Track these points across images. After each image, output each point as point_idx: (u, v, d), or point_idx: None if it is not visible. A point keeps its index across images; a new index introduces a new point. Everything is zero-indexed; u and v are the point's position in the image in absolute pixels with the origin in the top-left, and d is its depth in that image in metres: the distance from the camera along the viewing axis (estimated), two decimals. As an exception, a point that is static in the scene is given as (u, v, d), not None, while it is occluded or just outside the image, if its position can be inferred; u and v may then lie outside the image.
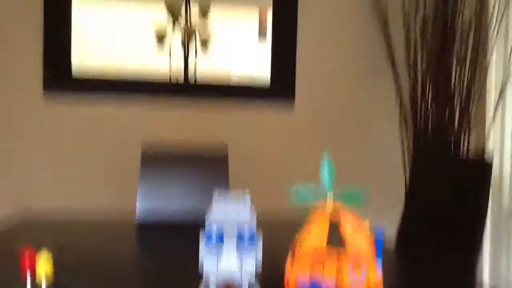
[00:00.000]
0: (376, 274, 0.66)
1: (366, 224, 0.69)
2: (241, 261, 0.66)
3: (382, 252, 0.71)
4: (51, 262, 0.62)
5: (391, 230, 1.72)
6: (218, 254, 0.66)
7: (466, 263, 1.11)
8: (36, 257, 0.62)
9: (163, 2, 2.49)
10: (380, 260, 0.69)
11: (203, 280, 0.67)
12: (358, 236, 0.66)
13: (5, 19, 2.44)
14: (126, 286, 0.91)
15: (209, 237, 0.66)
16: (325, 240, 0.65)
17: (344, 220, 0.67)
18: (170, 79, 2.53)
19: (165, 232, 1.46)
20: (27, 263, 0.62)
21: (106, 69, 2.48)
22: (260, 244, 0.67)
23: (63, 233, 1.35)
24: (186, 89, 2.56)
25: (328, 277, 0.63)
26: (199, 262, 0.66)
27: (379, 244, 0.70)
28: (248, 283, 0.66)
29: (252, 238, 0.66)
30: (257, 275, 0.66)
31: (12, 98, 2.46)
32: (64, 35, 2.45)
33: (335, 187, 0.70)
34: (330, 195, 0.69)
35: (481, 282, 1.79)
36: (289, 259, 0.69)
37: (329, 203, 0.69)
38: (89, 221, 1.63)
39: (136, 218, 1.75)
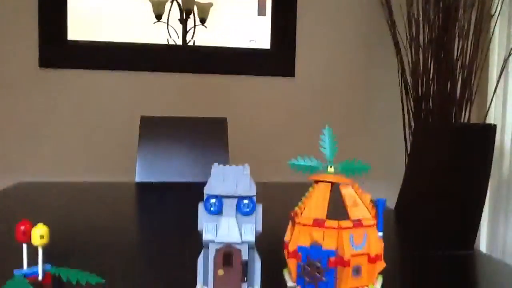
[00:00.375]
0: (377, 243, 0.66)
1: (367, 195, 0.69)
2: (240, 228, 0.65)
3: (383, 222, 0.70)
4: (48, 234, 0.62)
5: (392, 202, 1.73)
6: (218, 221, 0.66)
7: (466, 230, 1.12)
8: (32, 231, 0.61)
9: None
10: (381, 230, 0.69)
11: (203, 248, 0.66)
12: (359, 206, 0.66)
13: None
14: (125, 260, 0.91)
15: (207, 206, 0.65)
16: (325, 211, 0.64)
17: (345, 192, 0.66)
18: (168, 45, 2.50)
19: (164, 192, 1.46)
20: (23, 238, 0.62)
21: (102, 43, 2.45)
22: (259, 210, 0.66)
23: (62, 197, 1.35)
24: (185, 55, 2.53)
25: (328, 244, 0.63)
26: (198, 230, 0.66)
27: (380, 215, 0.70)
28: (248, 248, 0.65)
29: (251, 205, 0.65)
30: (257, 240, 0.65)
31: (8, 72, 2.43)
32: (60, 9, 2.41)
33: (336, 159, 0.70)
34: (330, 167, 0.69)
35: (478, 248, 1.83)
36: (289, 228, 0.69)
37: (330, 175, 0.68)
38: (87, 188, 1.62)
39: (136, 180, 1.75)
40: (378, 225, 0.68)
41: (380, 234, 0.68)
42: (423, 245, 1.05)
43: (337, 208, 0.65)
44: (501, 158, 2.44)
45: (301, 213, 0.66)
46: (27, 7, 2.40)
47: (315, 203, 0.66)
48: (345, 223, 0.63)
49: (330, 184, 0.67)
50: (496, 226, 2.46)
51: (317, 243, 0.63)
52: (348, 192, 0.66)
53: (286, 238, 0.68)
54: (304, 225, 0.65)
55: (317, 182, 0.68)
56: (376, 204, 0.69)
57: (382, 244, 0.67)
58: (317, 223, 0.64)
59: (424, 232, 1.14)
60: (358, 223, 0.64)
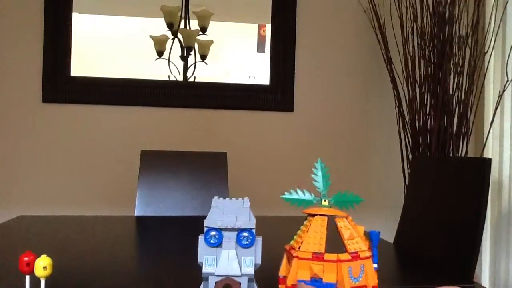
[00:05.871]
0: (373, 275, 0.67)
1: (361, 228, 0.70)
2: (240, 260, 0.66)
3: (377, 255, 0.72)
4: (51, 266, 0.62)
5: (391, 233, 1.73)
6: (218, 253, 0.66)
7: (464, 263, 1.12)
8: (36, 262, 0.62)
9: (163, 18, 2.52)
10: (376, 262, 0.71)
11: (203, 281, 0.67)
12: (355, 239, 0.67)
13: (6, 30, 2.46)
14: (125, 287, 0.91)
15: (208, 238, 0.66)
16: (323, 244, 0.65)
17: (341, 225, 0.68)
18: (169, 81, 2.55)
19: (164, 226, 1.46)
20: (26, 269, 0.62)
21: (105, 78, 2.49)
22: (259, 243, 0.67)
23: (62, 230, 1.36)
24: (185, 90, 2.57)
25: (329, 277, 0.64)
26: (198, 262, 0.67)
27: (374, 247, 0.71)
28: (247, 281, 0.66)
29: (251, 237, 0.67)
30: (256, 273, 0.66)
31: (11, 106, 2.47)
32: (64, 44, 2.47)
33: (334, 192, 0.71)
34: (325, 200, 0.70)
35: (479, 282, 1.81)
36: (284, 262, 0.69)
37: (326, 209, 0.69)
38: (88, 221, 1.62)
39: (135, 214, 1.75)
40: (373, 257, 0.69)
41: (375, 266, 0.69)
42: (422, 278, 1.05)
43: (330, 240, 0.66)
44: (500, 191, 2.45)
45: (299, 247, 0.66)
46: (32, 43, 2.46)
47: (313, 237, 0.66)
48: (343, 256, 0.64)
49: (326, 217, 0.68)
50: (498, 260, 2.44)
51: (317, 277, 0.64)
52: (344, 225, 0.67)
53: (281, 272, 0.69)
54: (303, 258, 0.65)
55: (311, 215, 0.69)
56: (370, 236, 0.70)
57: (376, 276, 0.68)
58: (317, 256, 0.64)
59: (423, 265, 1.14)
60: (355, 256, 0.65)
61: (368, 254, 0.67)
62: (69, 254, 1.16)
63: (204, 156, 1.99)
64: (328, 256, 0.64)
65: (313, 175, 0.72)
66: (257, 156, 2.63)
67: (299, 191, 0.71)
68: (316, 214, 0.68)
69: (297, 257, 0.65)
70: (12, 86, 2.46)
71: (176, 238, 1.39)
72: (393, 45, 2.69)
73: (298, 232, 0.69)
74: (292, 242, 0.69)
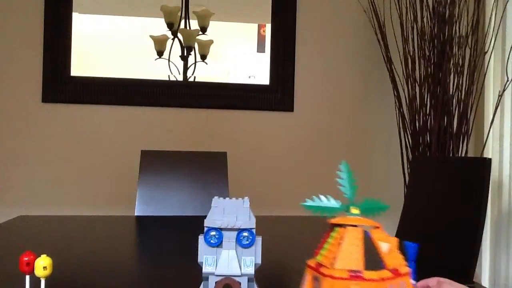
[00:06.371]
0: None
1: (394, 239, 0.61)
2: (240, 260, 0.66)
3: (415, 269, 0.62)
4: (51, 266, 0.62)
5: (391, 232, 1.73)
6: (218, 253, 0.66)
7: (464, 263, 1.12)
8: (36, 262, 0.62)
9: (163, 18, 2.52)
10: (414, 278, 0.62)
11: (203, 281, 0.67)
12: (394, 253, 0.58)
13: (6, 30, 2.46)
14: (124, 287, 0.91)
15: (208, 238, 0.66)
16: (361, 260, 0.56)
17: (377, 237, 0.58)
18: (169, 81, 2.55)
19: (164, 226, 1.46)
20: (26, 269, 0.62)
21: (105, 78, 2.49)
22: (259, 243, 0.67)
23: (62, 230, 1.35)
24: (186, 90, 2.57)
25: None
26: (198, 262, 0.66)
27: (411, 261, 0.62)
28: (247, 281, 0.66)
29: (251, 237, 0.66)
30: (256, 273, 0.66)
31: (11, 106, 2.47)
32: (64, 44, 2.47)
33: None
34: (355, 208, 0.60)
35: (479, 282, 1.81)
36: (307, 281, 0.60)
37: (359, 218, 0.59)
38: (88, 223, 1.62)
39: (135, 214, 1.75)
40: (412, 272, 0.60)
41: (414, 282, 0.60)
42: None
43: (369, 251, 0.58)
44: (500, 191, 2.45)
45: (331, 264, 0.56)
46: (32, 43, 2.46)
47: (347, 252, 0.56)
48: (384, 274, 0.55)
49: (361, 228, 0.58)
50: (498, 260, 2.44)
51: None
52: (380, 236, 0.58)
53: None
54: (338, 278, 0.55)
55: (339, 225, 0.59)
56: (406, 248, 0.62)
57: None
58: (355, 275, 0.55)
59: (423, 265, 1.14)
60: (396, 272, 0.57)
61: (407, 270, 0.58)
62: (69, 254, 1.16)
63: (204, 156, 1.99)
64: (368, 274, 0.55)
65: (338, 179, 0.62)
66: (257, 156, 2.63)
67: (322, 197, 0.62)
68: (347, 225, 0.59)
69: (331, 276, 0.55)
70: (12, 86, 2.46)
71: (176, 238, 1.39)
72: (393, 45, 2.69)
73: (325, 245, 0.59)
74: (318, 257, 0.59)
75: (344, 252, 0.56)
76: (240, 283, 0.65)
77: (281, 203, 2.64)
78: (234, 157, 2.61)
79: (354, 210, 0.59)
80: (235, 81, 2.58)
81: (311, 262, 0.59)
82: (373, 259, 0.57)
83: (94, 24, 2.49)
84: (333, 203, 0.61)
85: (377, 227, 0.59)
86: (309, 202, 0.61)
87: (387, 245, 0.57)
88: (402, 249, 0.61)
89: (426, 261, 1.21)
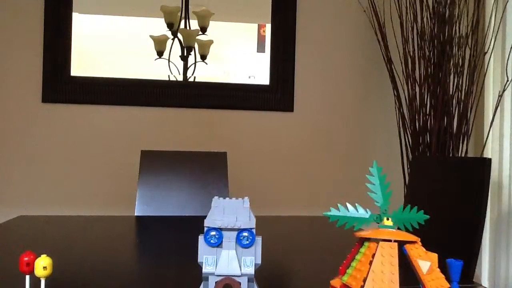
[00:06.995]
0: None
1: (434, 255, 0.53)
2: (240, 260, 0.66)
3: None
4: (51, 266, 0.62)
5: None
6: (218, 253, 0.66)
7: (464, 263, 1.12)
8: (36, 262, 0.62)
9: (163, 18, 2.52)
10: None
11: (203, 281, 0.67)
12: (434, 272, 0.51)
13: (5, 30, 2.46)
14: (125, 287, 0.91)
15: (208, 238, 0.66)
16: (397, 280, 0.48)
17: (414, 253, 0.51)
18: (169, 81, 2.55)
19: (164, 226, 1.46)
20: (26, 269, 0.62)
21: (105, 78, 2.49)
22: (259, 243, 0.67)
23: (62, 230, 1.36)
24: (186, 90, 2.57)
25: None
26: (198, 262, 0.66)
27: (455, 281, 0.54)
28: (247, 281, 0.66)
29: (251, 237, 0.66)
30: (256, 273, 0.65)
31: (11, 106, 2.47)
32: (64, 44, 2.47)
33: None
34: (388, 219, 0.52)
35: (479, 282, 1.81)
36: None
37: (393, 231, 0.51)
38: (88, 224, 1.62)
39: (135, 214, 1.75)
40: None
41: None
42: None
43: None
44: (500, 191, 2.45)
45: (359, 285, 0.49)
46: (32, 42, 2.46)
47: (379, 271, 0.48)
48: None
49: (396, 243, 0.50)
50: (498, 260, 2.44)
51: None
52: (418, 253, 0.50)
53: None
54: None
55: (367, 239, 0.51)
56: (449, 266, 0.53)
57: None
58: None
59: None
60: None
61: None
62: (69, 254, 1.16)
63: (204, 156, 1.99)
64: None
65: (368, 184, 0.53)
66: (257, 156, 2.63)
67: (349, 206, 0.53)
68: (380, 239, 0.50)
69: None
70: (12, 86, 2.46)
71: (176, 238, 1.39)
72: (393, 45, 2.69)
73: (353, 263, 0.52)
74: (345, 278, 0.52)
75: (375, 272, 0.48)
76: (240, 283, 0.65)
77: (281, 203, 2.64)
78: (234, 157, 2.61)
79: (388, 222, 0.50)
80: (235, 81, 2.58)
81: (336, 283, 0.52)
82: (410, 280, 0.50)
83: (94, 24, 2.49)
84: (362, 213, 0.53)
85: (415, 242, 0.51)
86: (334, 212, 0.53)
87: (427, 264, 0.48)
88: (444, 266, 0.53)
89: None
